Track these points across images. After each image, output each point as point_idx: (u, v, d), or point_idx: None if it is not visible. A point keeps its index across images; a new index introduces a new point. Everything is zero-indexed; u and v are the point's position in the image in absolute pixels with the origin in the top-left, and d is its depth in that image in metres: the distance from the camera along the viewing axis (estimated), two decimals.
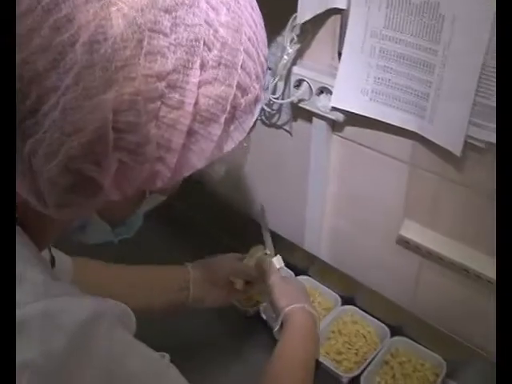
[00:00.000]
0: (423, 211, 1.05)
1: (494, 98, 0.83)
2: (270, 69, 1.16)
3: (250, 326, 1.24)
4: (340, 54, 1.01)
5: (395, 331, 1.17)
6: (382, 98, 0.98)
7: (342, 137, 1.12)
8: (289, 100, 1.10)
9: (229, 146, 0.55)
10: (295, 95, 1.09)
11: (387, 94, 0.97)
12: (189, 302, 1.08)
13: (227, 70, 0.50)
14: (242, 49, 0.51)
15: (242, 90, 0.53)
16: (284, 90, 1.13)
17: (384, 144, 1.05)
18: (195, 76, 0.48)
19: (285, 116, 1.19)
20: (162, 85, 0.46)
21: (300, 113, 1.15)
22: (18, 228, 0.55)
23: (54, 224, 0.61)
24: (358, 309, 1.23)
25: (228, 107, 0.51)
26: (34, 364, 0.44)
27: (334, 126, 1.11)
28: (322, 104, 1.07)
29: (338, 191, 1.20)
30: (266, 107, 1.19)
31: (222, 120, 0.52)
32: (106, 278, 1.01)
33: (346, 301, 1.25)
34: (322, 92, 1.07)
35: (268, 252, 1.17)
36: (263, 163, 1.32)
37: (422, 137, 0.96)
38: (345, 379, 1.10)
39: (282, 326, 1.01)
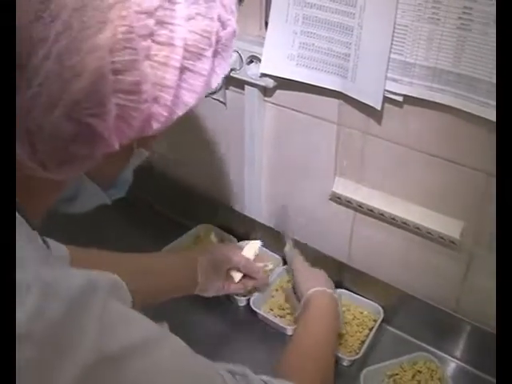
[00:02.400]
0: (352, 167, 1.12)
1: (408, 54, 0.91)
2: None
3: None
4: (267, 24, 1.07)
5: (335, 284, 1.23)
6: (307, 62, 1.05)
7: (273, 103, 1.18)
8: None
9: (215, 82, 0.56)
10: None
11: (312, 58, 1.04)
12: (195, 290, 1.09)
13: (207, 4, 0.52)
14: None
15: (222, 23, 0.54)
16: None
17: (312, 106, 1.12)
18: (180, 11, 0.49)
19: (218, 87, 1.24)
20: (151, 22, 0.47)
21: (232, 82, 1.20)
22: None
23: (44, 197, 0.60)
24: None
25: (213, 41, 0.53)
26: (32, 333, 0.44)
27: (265, 92, 1.17)
28: (252, 72, 1.12)
29: (273, 155, 1.26)
30: None
31: (210, 54, 0.53)
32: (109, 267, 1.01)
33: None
34: (251, 61, 1.12)
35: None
36: (199, 134, 1.37)
37: (347, 96, 1.03)
38: (289, 331, 1.16)
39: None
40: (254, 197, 1.33)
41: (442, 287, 1.12)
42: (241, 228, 1.37)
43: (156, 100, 0.50)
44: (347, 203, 1.16)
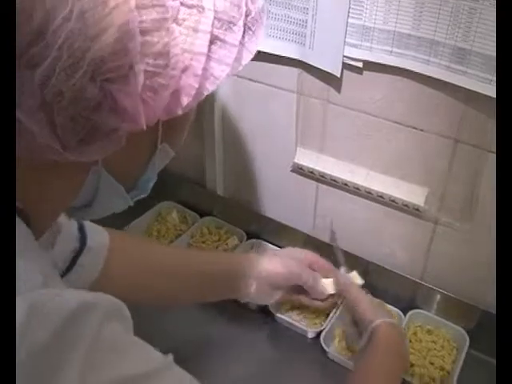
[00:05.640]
0: (313, 137, 1.10)
1: (366, 17, 0.88)
2: None
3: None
4: None
5: None
6: (266, 31, 1.01)
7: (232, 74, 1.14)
8: None
9: (246, 58, 0.53)
10: None
11: (269, 26, 1.00)
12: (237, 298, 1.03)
13: None
14: None
15: None
16: None
17: (271, 76, 1.09)
18: None
19: None
20: None
21: None
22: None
23: (57, 201, 0.56)
24: (262, 241, 1.27)
25: (243, 11, 0.50)
26: (19, 363, 0.40)
27: None
28: None
29: (232, 128, 1.23)
30: None
31: (240, 25, 0.50)
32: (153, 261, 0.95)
33: (252, 235, 1.28)
34: None
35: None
36: None
37: (306, 64, 1.00)
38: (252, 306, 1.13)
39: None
40: (215, 171, 1.30)
41: (407, 255, 1.11)
42: (203, 203, 1.34)
43: (186, 70, 0.48)
44: (310, 174, 1.13)
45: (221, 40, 0.49)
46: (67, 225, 0.76)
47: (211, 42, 0.48)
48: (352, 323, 1.01)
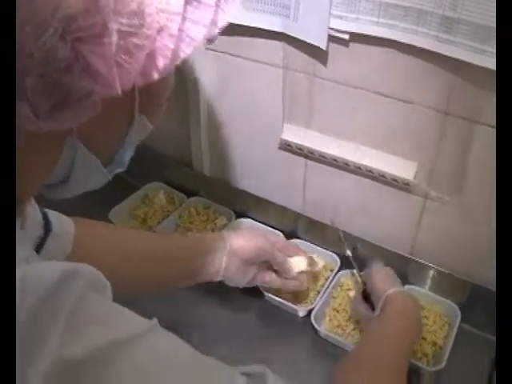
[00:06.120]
0: (300, 113, 1.08)
1: None
2: None
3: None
4: None
5: (290, 235, 1.21)
6: (247, 4, 0.98)
7: (215, 50, 1.12)
8: None
9: (222, 20, 0.51)
10: None
11: None
12: (214, 280, 1.00)
13: None
14: None
15: None
16: None
17: (255, 51, 1.06)
18: None
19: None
20: None
21: None
22: None
23: (32, 177, 0.55)
24: (251, 220, 1.26)
25: None
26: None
27: (207, 40, 1.10)
28: None
29: (218, 106, 1.20)
30: None
31: None
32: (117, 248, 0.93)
33: (241, 214, 1.27)
34: None
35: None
36: None
37: (290, 37, 0.97)
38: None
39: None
40: (201, 150, 1.27)
41: (397, 231, 1.10)
42: (190, 184, 1.32)
43: (161, 30, 0.46)
44: (298, 150, 1.11)
45: (196, 0, 0.47)
46: (32, 212, 0.74)
47: (187, 2, 0.47)
48: (362, 298, 1.02)
